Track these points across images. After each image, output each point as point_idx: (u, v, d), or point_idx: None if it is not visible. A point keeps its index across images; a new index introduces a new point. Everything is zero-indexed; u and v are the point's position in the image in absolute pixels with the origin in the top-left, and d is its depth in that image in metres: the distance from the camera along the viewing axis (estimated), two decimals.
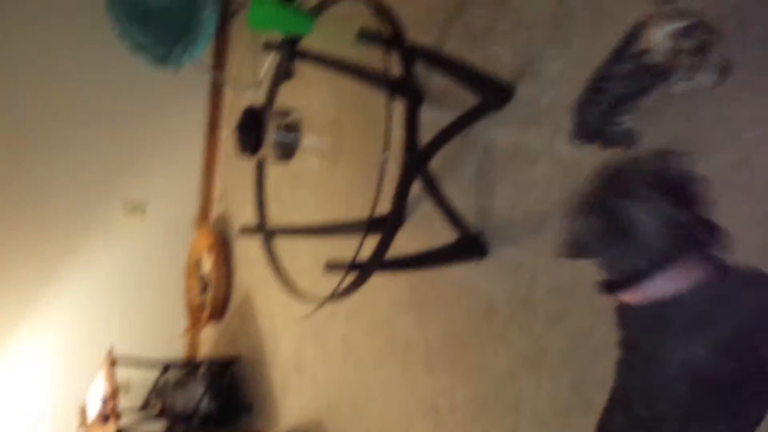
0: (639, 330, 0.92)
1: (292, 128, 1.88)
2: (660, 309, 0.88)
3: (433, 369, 2.04)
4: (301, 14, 1.77)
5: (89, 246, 3.62)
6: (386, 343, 2.28)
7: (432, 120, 1.97)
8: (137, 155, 3.67)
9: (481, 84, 1.83)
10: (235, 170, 3.55)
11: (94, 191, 3.61)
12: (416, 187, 1.86)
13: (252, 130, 1.85)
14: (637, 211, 0.89)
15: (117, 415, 3.00)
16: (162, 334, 3.89)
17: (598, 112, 1.33)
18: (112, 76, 3.45)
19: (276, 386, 3.05)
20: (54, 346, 3.63)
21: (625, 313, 0.93)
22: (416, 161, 1.69)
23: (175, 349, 3.95)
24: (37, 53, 3.27)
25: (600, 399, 1.05)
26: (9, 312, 3.48)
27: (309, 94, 2.14)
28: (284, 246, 2.10)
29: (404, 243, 2.09)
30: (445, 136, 1.82)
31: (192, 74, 3.44)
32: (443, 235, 1.90)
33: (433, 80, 2.07)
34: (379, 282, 2.19)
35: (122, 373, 3.28)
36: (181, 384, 3.37)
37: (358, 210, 1.59)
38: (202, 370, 3.39)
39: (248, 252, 3.36)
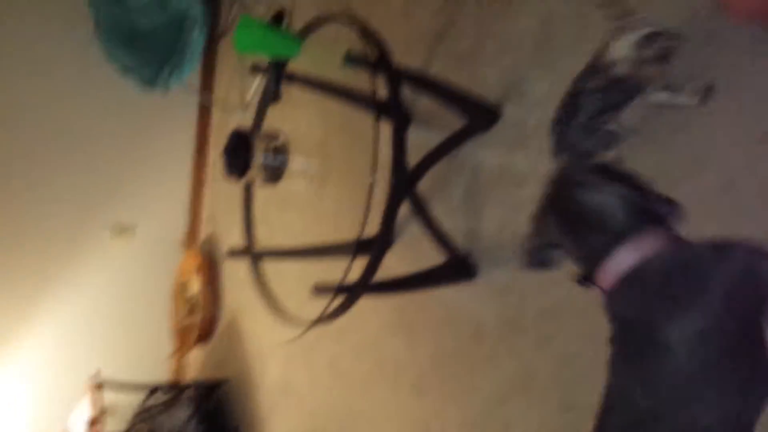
0: (624, 314, 0.90)
1: (280, 151, 1.87)
2: (633, 282, 0.86)
3: (423, 392, 2.02)
4: (287, 37, 1.77)
5: (76, 268, 3.59)
6: (375, 365, 2.26)
7: (420, 142, 1.97)
8: (125, 177, 3.67)
9: (467, 106, 1.83)
10: (223, 192, 3.54)
11: (82, 213, 3.59)
12: (405, 209, 1.86)
13: (239, 153, 1.85)
14: (587, 194, 0.91)
15: None
16: (148, 356, 3.86)
17: (577, 128, 1.34)
18: (100, 98, 3.45)
19: (263, 409, 3.02)
20: (38, 368, 3.58)
21: (608, 303, 0.92)
22: (404, 183, 1.69)
23: (161, 372, 3.92)
24: (24, 75, 3.26)
25: (590, 423, 1.04)
26: None
27: (297, 117, 2.14)
28: (272, 268, 2.09)
29: (393, 264, 2.08)
30: (432, 157, 1.82)
31: (180, 96, 3.45)
32: (432, 256, 1.90)
33: (420, 102, 2.08)
34: (367, 304, 2.18)
35: (108, 397, 3.24)
36: (167, 407, 3.34)
37: (347, 232, 1.59)
38: (188, 393, 3.35)
39: (236, 274, 3.34)
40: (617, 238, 0.86)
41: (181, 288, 3.71)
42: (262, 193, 2.20)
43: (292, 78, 1.99)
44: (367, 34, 1.62)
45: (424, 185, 1.87)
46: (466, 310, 1.88)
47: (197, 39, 2.84)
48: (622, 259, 0.85)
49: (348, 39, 1.66)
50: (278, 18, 1.88)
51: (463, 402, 1.87)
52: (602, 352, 1.45)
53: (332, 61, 1.73)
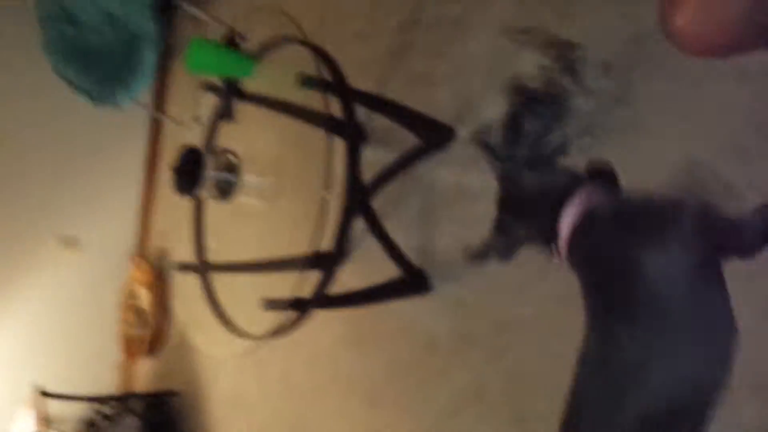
0: (584, 258, 0.97)
1: (231, 168, 1.88)
2: (583, 228, 0.95)
3: (376, 404, 2.05)
4: (241, 58, 1.77)
5: (22, 279, 3.50)
6: (328, 378, 2.28)
7: (375, 159, 2.01)
8: (76, 188, 3.60)
9: (421, 126, 1.87)
10: (175, 205, 3.50)
11: (30, 224, 3.50)
12: (360, 225, 1.89)
13: (190, 169, 1.84)
14: (528, 180, 1.07)
15: None
16: (95, 367, 3.77)
17: (521, 146, 1.40)
18: (51, 110, 3.37)
19: (214, 422, 2.99)
20: None
21: (569, 257, 0.99)
22: (358, 199, 1.71)
23: (108, 383, 3.84)
24: None
25: None
26: None
27: (250, 133, 2.13)
28: (223, 282, 2.08)
29: (347, 279, 2.11)
30: (387, 175, 1.85)
31: (133, 110, 3.39)
32: (386, 271, 1.92)
33: (376, 121, 2.11)
34: (321, 317, 2.19)
35: (52, 408, 3.16)
36: (114, 420, 3.27)
37: (301, 247, 1.60)
38: (136, 405, 3.30)
39: (187, 286, 3.29)
40: (561, 201, 0.97)
41: (130, 299, 3.64)
42: (215, 208, 2.19)
43: (246, 96, 1.99)
44: (321, 55, 1.64)
45: (379, 202, 1.90)
46: (420, 324, 1.91)
47: (149, 57, 2.80)
48: (570, 215, 0.95)
49: (303, 60, 1.68)
50: (232, 38, 1.87)
51: (416, 413, 1.90)
52: (553, 365, 1.51)
53: (286, 81, 1.74)
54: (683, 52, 0.99)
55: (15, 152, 3.36)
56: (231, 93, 1.94)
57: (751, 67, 1.18)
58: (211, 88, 2.08)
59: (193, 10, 3.16)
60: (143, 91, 3.08)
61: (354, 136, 1.68)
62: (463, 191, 1.82)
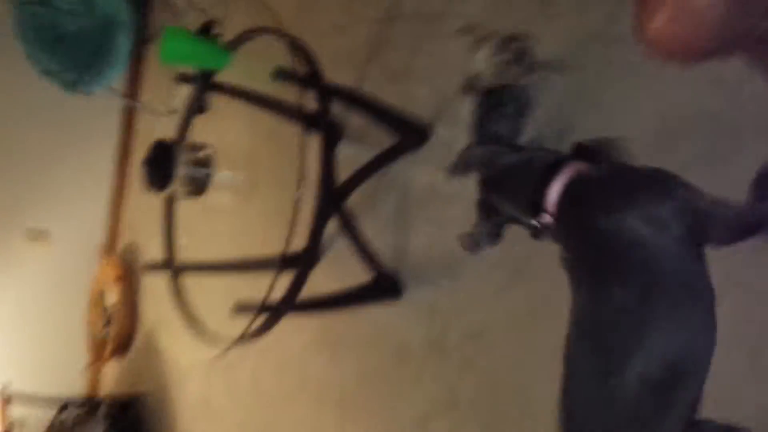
0: (570, 227, 0.97)
1: (204, 163, 1.82)
2: (569, 199, 0.96)
3: (346, 411, 1.99)
4: (216, 49, 1.72)
5: None
6: (298, 383, 2.22)
7: (350, 157, 1.95)
8: (43, 179, 3.51)
9: (398, 125, 1.83)
10: (146, 200, 3.43)
11: None
12: (333, 225, 1.83)
13: (161, 164, 1.79)
14: (509, 157, 1.10)
15: None
16: (61, 369, 3.68)
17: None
18: (19, 97, 3.29)
19: (182, 426, 2.92)
20: None
21: (556, 228, 1.01)
22: (332, 199, 1.66)
23: (75, 385, 3.75)
24: None
25: None
26: None
27: (223, 127, 2.08)
28: (194, 282, 2.02)
29: (319, 281, 2.05)
30: (362, 174, 1.80)
31: (105, 99, 3.32)
32: (359, 273, 1.87)
33: (351, 118, 2.06)
34: (292, 321, 2.13)
35: (17, 411, 3.09)
36: (80, 423, 3.20)
37: (274, 245, 1.55)
38: (103, 408, 3.22)
39: (156, 285, 3.23)
40: (547, 176, 0.98)
41: (98, 297, 3.56)
42: (186, 204, 2.13)
43: (220, 88, 1.95)
44: (297, 48, 1.59)
45: (353, 201, 1.85)
46: (392, 330, 1.86)
47: (123, 44, 2.74)
48: (555, 188, 0.97)
49: (279, 52, 1.63)
50: (207, 28, 1.82)
51: (387, 421, 1.85)
52: (525, 375, 1.47)
53: (262, 74, 1.70)
54: (658, 57, 0.97)
55: None
56: (205, 84, 1.88)
57: (726, 73, 1.16)
58: (185, 79, 2.03)
59: None
60: (116, 78, 3.01)
61: (329, 132, 1.63)
62: (438, 192, 1.77)
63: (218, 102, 1.98)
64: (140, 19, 3.22)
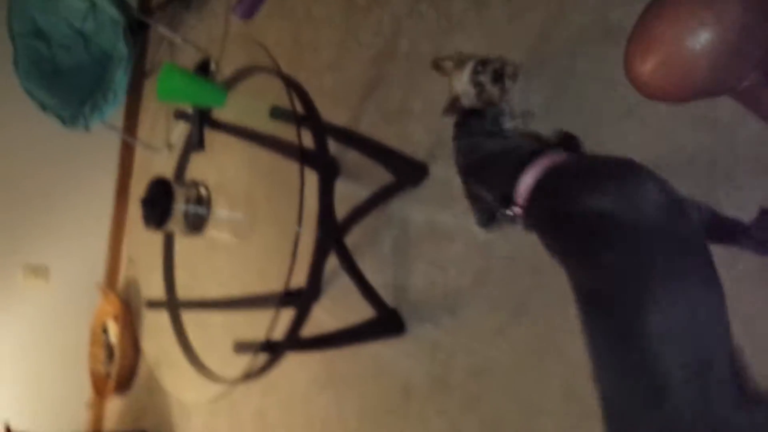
0: (542, 214, 0.98)
1: (202, 201, 1.81)
2: (540, 190, 0.97)
3: None
4: (213, 87, 1.72)
5: None
6: (303, 421, 2.19)
7: (348, 194, 1.95)
8: (42, 215, 3.51)
9: (394, 162, 1.82)
10: (145, 234, 3.42)
11: None
12: (333, 261, 1.82)
13: (159, 201, 1.77)
14: (489, 142, 1.14)
15: None
16: (63, 406, 3.65)
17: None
18: (18, 132, 3.30)
19: None
20: None
21: (526, 217, 1.01)
22: (331, 235, 1.66)
23: (77, 422, 3.71)
24: None
25: None
26: None
27: (221, 164, 2.08)
28: (194, 319, 2.01)
29: (320, 317, 2.04)
30: (360, 211, 1.80)
31: (103, 134, 3.33)
32: (360, 310, 1.85)
33: (348, 155, 2.06)
34: (295, 357, 2.12)
35: None
36: None
37: (273, 282, 1.55)
38: None
39: (157, 321, 3.21)
40: (520, 166, 1.00)
41: (99, 333, 3.54)
42: (185, 241, 2.12)
43: (218, 126, 1.94)
44: (293, 86, 1.59)
45: (352, 238, 1.84)
46: (395, 367, 1.84)
47: (121, 79, 2.75)
48: (528, 179, 0.99)
49: (275, 90, 1.63)
50: (204, 66, 1.83)
51: None
52: (529, 413, 1.44)
53: (258, 112, 1.69)
54: (649, 98, 0.97)
55: None
56: (202, 122, 1.88)
57: (721, 114, 1.16)
58: (182, 116, 2.03)
59: (167, 32, 3.12)
60: (114, 113, 3.02)
61: (327, 170, 1.63)
62: (437, 230, 1.76)
63: (216, 139, 1.98)
64: (137, 54, 3.24)
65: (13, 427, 3.04)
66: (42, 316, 3.55)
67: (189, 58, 3.10)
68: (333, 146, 2.01)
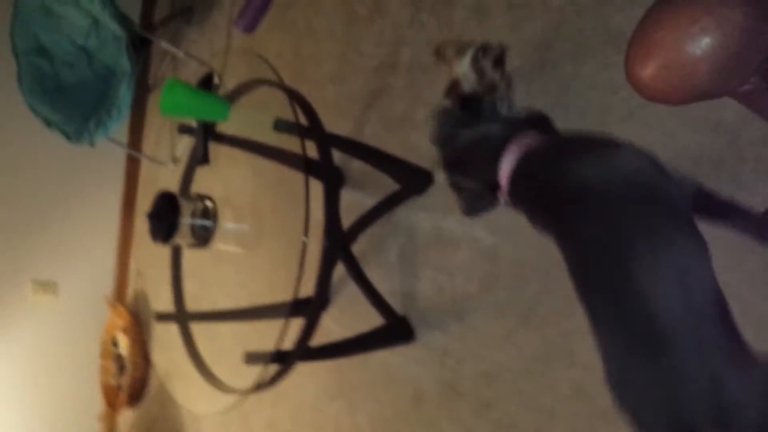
0: (528, 190, 0.98)
1: (208, 214, 1.82)
2: (521, 170, 0.97)
3: None
4: (216, 101, 1.73)
5: None
6: (314, 431, 2.19)
7: (353, 203, 1.95)
8: (50, 230, 3.52)
9: (399, 171, 1.83)
10: (152, 247, 3.43)
11: (3, 268, 3.42)
12: (340, 270, 1.83)
13: (166, 215, 1.78)
14: (465, 132, 1.13)
15: None
16: (75, 420, 3.66)
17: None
18: (24, 149, 3.32)
19: None
20: None
21: (511, 198, 1.02)
22: (338, 244, 1.66)
23: None
24: None
25: None
26: None
27: (226, 176, 2.09)
28: (204, 330, 2.02)
29: (329, 326, 2.04)
30: (366, 220, 1.80)
31: (108, 149, 3.34)
32: (369, 318, 1.86)
33: (353, 164, 2.06)
34: (306, 366, 2.12)
35: None
36: None
37: (281, 292, 1.55)
38: None
39: (166, 333, 3.22)
40: (499, 151, 1.01)
41: (109, 346, 3.55)
42: (193, 253, 2.13)
43: (223, 139, 1.95)
44: (296, 99, 1.60)
45: (359, 247, 1.84)
46: (405, 374, 1.84)
47: (125, 94, 2.76)
48: (508, 161, 0.99)
49: (278, 102, 1.64)
50: (207, 80, 1.84)
51: None
52: (540, 418, 1.45)
53: (262, 125, 1.70)
54: (651, 101, 0.97)
55: None
56: (206, 136, 1.89)
57: (725, 116, 1.16)
58: (186, 130, 2.04)
59: (169, 47, 3.14)
60: (118, 128, 3.04)
61: (331, 179, 1.63)
62: (442, 236, 1.76)
63: (221, 152, 1.99)
64: (141, 69, 3.25)
65: None
66: (52, 331, 3.57)
67: (192, 72, 3.11)
68: (337, 156, 2.02)
